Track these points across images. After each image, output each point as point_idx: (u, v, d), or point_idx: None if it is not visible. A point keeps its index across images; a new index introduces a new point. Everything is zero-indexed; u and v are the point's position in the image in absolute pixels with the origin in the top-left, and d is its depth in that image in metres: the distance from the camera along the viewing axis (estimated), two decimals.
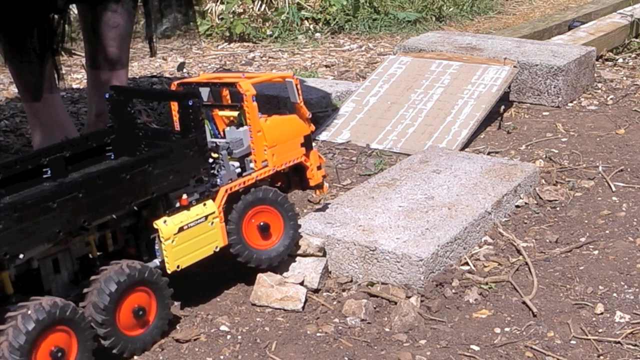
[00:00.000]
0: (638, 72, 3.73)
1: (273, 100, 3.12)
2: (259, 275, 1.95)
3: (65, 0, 2.53)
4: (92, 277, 1.66)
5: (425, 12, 5.08)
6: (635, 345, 1.74)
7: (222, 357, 1.74)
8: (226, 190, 1.85)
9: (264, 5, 4.95)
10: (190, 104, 1.78)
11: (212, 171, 1.85)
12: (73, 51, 2.82)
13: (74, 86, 3.84)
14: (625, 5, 4.61)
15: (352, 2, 4.92)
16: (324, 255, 2.02)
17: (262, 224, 1.91)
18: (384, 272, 1.97)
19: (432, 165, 2.46)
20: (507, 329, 1.82)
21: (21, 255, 1.53)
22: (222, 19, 4.77)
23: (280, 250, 1.95)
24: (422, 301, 1.92)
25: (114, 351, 1.68)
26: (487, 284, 1.98)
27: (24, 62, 2.55)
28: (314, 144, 2.08)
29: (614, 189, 2.49)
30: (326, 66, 4.07)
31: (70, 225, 1.59)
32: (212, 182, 1.84)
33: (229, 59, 4.33)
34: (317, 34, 4.77)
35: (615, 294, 1.93)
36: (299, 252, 1.99)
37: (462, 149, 2.80)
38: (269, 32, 4.75)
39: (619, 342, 1.75)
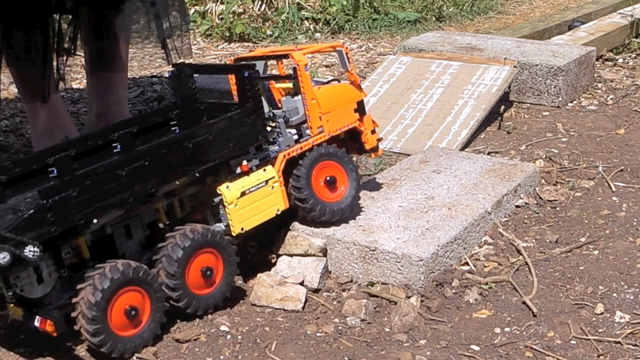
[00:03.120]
0: (638, 72, 3.73)
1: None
2: (259, 275, 1.95)
3: (73, 1, 2.52)
4: (167, 235, 1.78)
5: (425, 12, 5.07)
6: (635, 345, 1.74)
7: (222, 357, 1.74)
8: (284, 156, 1.95)
9: (264, 5, 4.95)
10: (246, 75, 1.90)
11: (270, 138, 1.95)
12: (73, 51, 2.83)
13: (74, 86, 3.84)
14: (625, 5, 4.60)
15: (352, 2, 4.91)
16: (324, 255, 2.02)
17: (328, 178, 2.01)
18: (384, 272, 1.97)
19: (432, 165, 2.46)
20: (507, 329, 1.82)
21: (95, 221, 1.66)
22: (222, 19, 4.77)
23: (349, 202, 2.05)
24: (422, 301, 1.92)
25: (180, 304, 1.78)
26: (487, 284, 1.98)
27: (26, 64, 2.54)
28: None
29: (614, 189, 2.49)
30: (326, 66, 4.07)
31: (139, 192, 1.72)
32: (271, 148, 1.96)
33: (229, 59, 4.33)
34: (317, 34, 4.77)
35: (615, 294, 1.93)
36: (300, 252, 1.99)
37: (462, 149, 2.80)
38: (269, 32, 4.75)
39: (619, 342, 1.75)
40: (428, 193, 2.26)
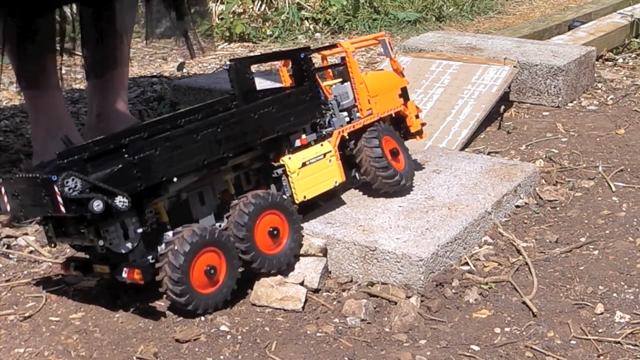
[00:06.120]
0: (638, 72, 3.73)
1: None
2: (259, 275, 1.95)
3: None
4: (232, 203, 1.92)
5: (425, 12, 5.08)
6: (635, 345, 1.74)
7: (222, 357, 1.74)
8: (339, 132, 2.13)
9: (264, 5, 4.95)
10: (302, 56, 2.09)
11: (325, 120, 2.14)
12: (72, 51, 2.83)
13: (74, 86, 3.84)
14: (625, 5, 4.60)
15: (352, 2, 4.92)
16: (324, 255, 2.02)
17: (393, 149, 2.20)
18: (384, 272, 1.97)
19: (432, 165, 2.46)
20: (507, 329, 1.82)
21: (175, 179, 1.84)
22: (222, 19, 4.77)
23: (412, 171, 2.25)
24: (422, 301, 1.92)
25: (253, 265, 1.90)
26: (487, 284, 1.98)
27: (40, 51, 2.54)
28: None
29: (614, 189, 2.49)
30: None
31: (212, 155, 1.89)
32: (327, 125, 2.14)
33: (229, 59, 4.33)
34: (317, 34, 4.77)
35: (615, 294, 1.93)
36: (300, 252, 1.99)
37: (462, 149, 2.80)
38: (269, 32, 4.75)
39: (619, 342, 1.75)
40: (428, 193, 2.26)
